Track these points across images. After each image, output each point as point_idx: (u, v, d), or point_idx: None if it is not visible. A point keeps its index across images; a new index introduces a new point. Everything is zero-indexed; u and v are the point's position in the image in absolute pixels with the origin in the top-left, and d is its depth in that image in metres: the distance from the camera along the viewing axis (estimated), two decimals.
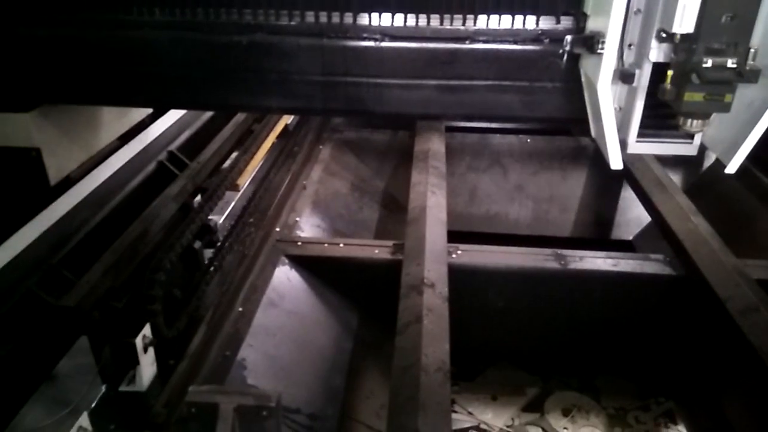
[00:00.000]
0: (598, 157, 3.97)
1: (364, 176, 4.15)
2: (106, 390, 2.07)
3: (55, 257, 1.90)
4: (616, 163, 1.54)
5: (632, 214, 3.90)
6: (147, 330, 2.06)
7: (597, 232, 4.00)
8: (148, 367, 2.10)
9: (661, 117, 1.57)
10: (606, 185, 3.96)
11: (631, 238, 3.93)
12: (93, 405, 2.01)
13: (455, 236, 2.90)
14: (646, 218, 3.76)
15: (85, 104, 2.03)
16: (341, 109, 1.85)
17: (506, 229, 4.05)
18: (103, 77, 1.82)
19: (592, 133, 1.68)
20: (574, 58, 1.61)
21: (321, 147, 4.13)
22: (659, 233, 3.16)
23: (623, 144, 1.59)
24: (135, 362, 2.06)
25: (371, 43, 1.71)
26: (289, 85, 1.78)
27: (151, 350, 2.09)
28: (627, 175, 3.58)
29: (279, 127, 3.83)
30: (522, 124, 5.00)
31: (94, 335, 1.99)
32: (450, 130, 4.14)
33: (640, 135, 1.59)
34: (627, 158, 3.55)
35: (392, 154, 4.23)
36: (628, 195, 3.83)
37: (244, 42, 1.72)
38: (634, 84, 1.53)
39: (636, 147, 1.59)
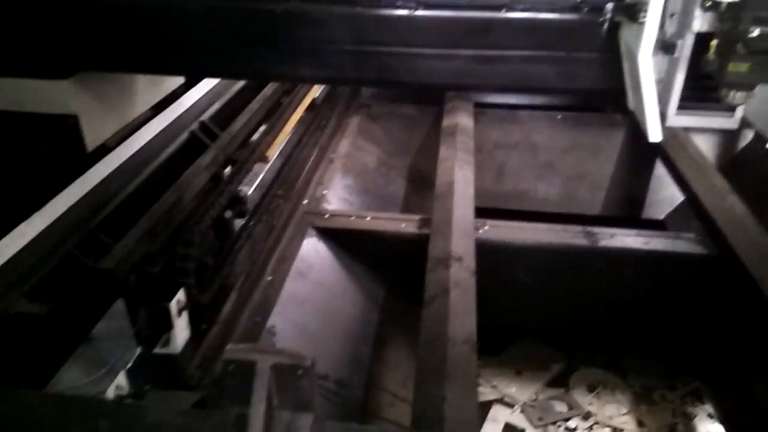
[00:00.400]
0: (631, 135, 3.90)
1: (391, 151, 4.14)
2: (141, 352, 2.14)
3: (93, 222, 1.95)
4: (655, 135, 1.51)
5: (664, 193, 3.82)
6: (181, 295, 2.12)
7: (628, 211, 3.94)
8: (181, 330, 2.15)
9: (702, 89, 1.53)
10: (638, 163, 3.88)
11: (662, 217, 3.87)
12: (129, 366, 2.08)
13: (482, 213, 2.89)
14: (678, 197, 3.69)
15: (120, 71, 2.06)
16: (373, 79, 1.85)
17: (534, 206, 4.01)
18: (138, 44, 1.84)
19: (630, 105, 1.65)
20: (614, 28, 1.57)
21: (348, 121, 4.13)
22: (692, 213, 3.10)
23: (662, 116, 1.56)
24: (169, 326, 2.11)
25: (405, 12, 1.69)
26: (322, 54, 1.78)
27: (184, 314, 2.15)
28: (660, 153, 3.50)
29: (307, 101, 3.83)
30: (552, 100, 4.92)
31: (130, 299, 2.04)
32: (479, 105, 4.09)
33: (680, 107, 1.55)
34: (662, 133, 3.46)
35: (420, 129, 4.21)
36: (660, 173, 3.75)
37: (278, 10, 1.72)
38: (676, 55, 1.49)
39: (675, 120, 1.55)
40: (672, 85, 1.54)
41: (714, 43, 1.35)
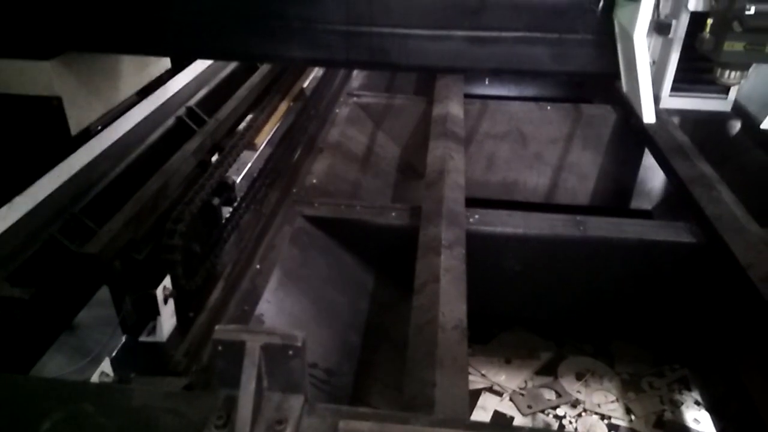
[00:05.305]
0: (619, 125, 3.90)
1: (380, 141, 4.11)
2: (126, 340, 2.10)
3: (77, 206, 1.90)
4: (649, 116, 1.50)
5: (653, 184, 3.84)
6: (167, 282, 2.08)
7: (616, 201, 3.95)
8: (168, 318, 2.12)
9: (695, 71, 1.53)
10: (626, 154, 3.89)
11: (650, 207, 3.89)
12: (114, 354, 2.04)
13: (472, 203, 2.88)
14: (666, 188, 3.71)
15: (105, 51, 2.01)
16: (365, 60, 1.81)
17: (524, 197, 4.01)
18: (124, 24, 1.80)
19: (624, 87, 1.64)
20: (609, 8, 1.56)
21: (338, 111, 4.09)
22: (680, 203, 3.11)
23: (656, 99, 1.55)
24: (155, 313, 2.08)
25: None
26: (313, 35, 1.75)
27: (171, 302, 2.11)
28: (648, 143, 3.51)
29: (296, 89, 3.79)
30: (542, 91, 4.93)
31: (115, 286, 2.00)
32: (468, 96, 4.08)
33: (674, 89, 1.55)
34: (649, 126, 3.46)
35: (409, 120, 4.19)
36: (648, 164, 3.77)
37: None
38: (670, 35, 1.48)
39: (669, 102, 1.56)
40: (666, 66, 1.53)
41: (710, 21, 1.34)
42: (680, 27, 1.46)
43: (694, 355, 2.98)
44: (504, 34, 1.68)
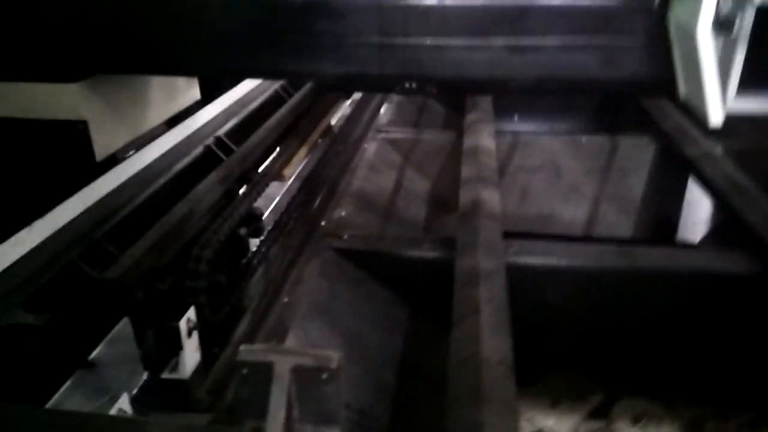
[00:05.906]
0: (659, 156, 3.76)
1: (410, 175, 4.02)
2: (147, 377, 1.98)
3: (100, 232, 1.82)
4: (716, 118, 1.36)
5: (698, 216, 3.64)
6: (191, 313, 1.97)
7: (660, 234, 3.75)
8: (191, 353, 2.00)
9: (763, 71, 1.39)
10: (669, 185, 3.72)
11: (697, 240, 3.67)
12: (134, 392, 1.92)
13: (508, 236, 2.72)
14: (714, 219, 3.50)
15: (132, 72, 1.97)
16: (398, 74, 1.73)
17: (561, 230, 3.84)
18: (151, 43, 1.76)
19: (682, 93, 1.52)
20: (662, 8, 1.45)
21: (366, 146, 4.04)
22: (730, 234, 2.92)
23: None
24: (178, 347, 1.96)
25: (434, 1, 1.59)
26: (343, 49, 1.68)
27: (195, 335, 2.00)
28: (694, 173, 3.34)
29: (324, 124, 3.77)
30: (573, 125, 4.83)
31: (136, 317, 1.90)
32: (499, 132, 3.99)
33: (739, 91, 1.41)
34: (695, 154, 3.30)
35: (439, 155, 4.11)
36: (693, 195, 3.58)
37: (298, 2, 1.63)
38: (733, 35, 1.36)
39: (735, 105, 1.41)
40: (729, 68, 1.40)
41: None
42: (744, 24, 1.34)
43: (761, 397, 2.70)
44: (546, 40, 1.58)
